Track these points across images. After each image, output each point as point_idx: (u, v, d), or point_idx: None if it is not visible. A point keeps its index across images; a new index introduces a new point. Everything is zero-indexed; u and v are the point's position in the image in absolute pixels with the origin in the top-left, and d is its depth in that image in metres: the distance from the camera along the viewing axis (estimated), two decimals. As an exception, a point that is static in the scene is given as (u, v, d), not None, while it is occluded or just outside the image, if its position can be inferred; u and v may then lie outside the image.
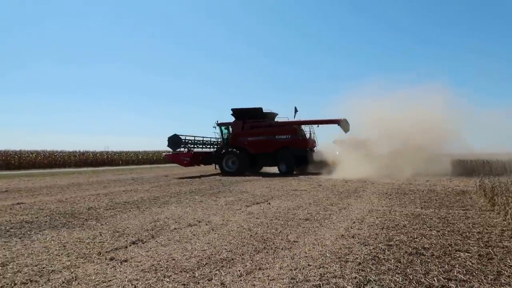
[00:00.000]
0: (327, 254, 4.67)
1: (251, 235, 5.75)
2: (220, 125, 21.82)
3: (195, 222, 6.88)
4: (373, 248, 4.91)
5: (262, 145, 20.38)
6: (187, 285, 3.66)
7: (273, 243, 5.25)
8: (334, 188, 12.51)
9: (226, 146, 21.21)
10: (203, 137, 23.44)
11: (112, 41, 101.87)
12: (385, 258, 4.45)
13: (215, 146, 23.70)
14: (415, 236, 5.58)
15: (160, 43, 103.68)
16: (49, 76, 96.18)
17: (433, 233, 5.72)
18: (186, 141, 21.29)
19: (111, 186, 14.21)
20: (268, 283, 3.67)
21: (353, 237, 5.59)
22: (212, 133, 24.16)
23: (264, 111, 21.16)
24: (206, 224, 6.66)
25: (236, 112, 21.26)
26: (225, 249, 4.97)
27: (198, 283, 3.71)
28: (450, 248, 4.87)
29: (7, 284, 3.71)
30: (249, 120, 21.06)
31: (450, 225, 6.31)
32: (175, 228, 6.33)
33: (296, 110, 21.56)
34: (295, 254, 4.70)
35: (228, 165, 20.48)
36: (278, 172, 20.45)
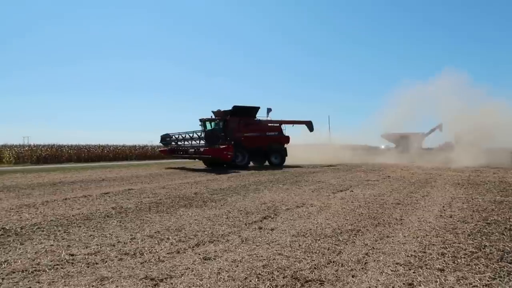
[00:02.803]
0: (436, 228, 5.58)
1: (359, 214, 6.74)
2: (211, 120, 22.70)
3: (299, 204, 7.95)
4: (474, 225, 5.76)
5: (256, 140, 22.32)
6: (338, 245, 4.72)
7: (383, 220, 6.22)
8: (404, 179, 13.22)
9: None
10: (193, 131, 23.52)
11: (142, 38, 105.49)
12: (489, 232, 5.31)
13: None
14: (508, 217, 6.34)
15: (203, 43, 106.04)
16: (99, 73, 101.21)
17: (523, 215, 6.46)
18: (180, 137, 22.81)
19: (191, 176, 15.63)
20: (403, 245, 4.65)
21: (450, 217, 6.44)
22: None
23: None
24: (311, 206, 7.71)
25: (236, 109, 22.23)
26: (346, 223, 6.00)
27: (346, 243, 4.77)
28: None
29: (201, 241, 4.93)
30: (244, 117, 22.39)
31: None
32: (287, 209, 7.43)
33: (269, 110, 23.68)
34: (409, 227, 5.65)
35: (238, 158, 21.68)
36: (269, 164, 22.99)
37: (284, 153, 23.59)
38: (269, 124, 23.52)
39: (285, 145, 24.27)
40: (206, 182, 12.89)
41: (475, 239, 4.91)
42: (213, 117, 22.87)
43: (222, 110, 22.56)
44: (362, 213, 6.89)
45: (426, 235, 5.17)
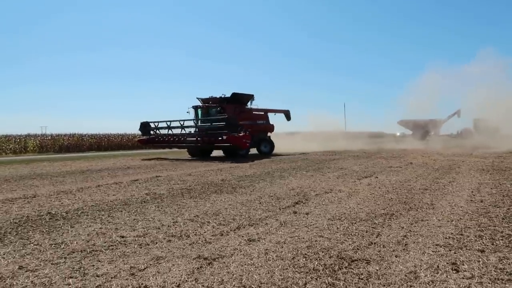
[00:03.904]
0: (469, 212, 5.68)
1: (389, 199, 6.87)
2: (208, 107, 21.70)
3: (327, 190, 8.10)
4: (507, 209, 5.83)
5: (249, 128, 21.17)
6: (375, 228, 4.87)
7: (414, 205, 6.33)
8: (427, 166, 13.24)
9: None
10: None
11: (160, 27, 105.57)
12: (523, 216, 5.38)
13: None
14: (540, 201, 6.38)
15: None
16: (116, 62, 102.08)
17: (556, 199, 6.48)
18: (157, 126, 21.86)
19: (212, 164, 15.88)
20: (439, 228, 4.77)
21: (481, 201, 6.52)
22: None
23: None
24: (340, 192, 7.85)
25: (235, 96, 21.69)
26: (378, 208, 6.13)
27: (383, 226, 4.91)
28: None
29: (241, 225, 5.13)
30: (239, 105, 21.91)
31: None
32: (316, 194, 7.58)
33: (252, 99, 22.96)
34: (441, 212, 5.75)
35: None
36: (258, 153, 22.35)
37: (270, 141, 23.31)
38: (258, 113, 23.30)
39: (269, 134, 23.96)
40: (229, 170, 13.12)
41: (510, 223, 4.99)
42: (200, 104, 21.93)
43: (218, 96, 21.76)
44: (391, 198, 7.00)
45: (460, 218, 5.28)
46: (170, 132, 21.47)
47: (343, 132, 57.68)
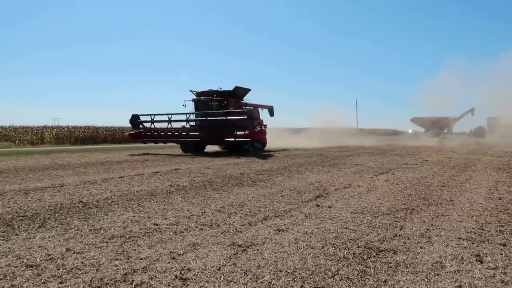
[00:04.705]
0: (488, 209, 5.81)
1: (408, 195, 7.02)
2: (209, 100, 20.98)
3: (346, 185, 8.27)
4: (526, 206, 5.95)
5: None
6: (397, 221, 5.04)
7: (434, 201, 6.47)
8: (443, 163, 13.30)
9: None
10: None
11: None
12: (542, 213, 5.50)
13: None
14: (558, 199, 6.48)
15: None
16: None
17: None
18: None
19: (228, 158, 16.13)
20: (460, 223, 4.93)
21: (500, 199, 6.63)
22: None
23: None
24: (358, 187, 8.02)
25: (236, 90, 21.10)
26: (399, 203, 6.29)
27: (405, 220, 5.08)
28: None
29: (267, 216, 5.35)
30: (238, 99, 21.39)
31: None
32: (336, 189, 7.76)
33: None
34: (460, 208, 5.89)
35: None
36: (251, 149, 21.14)
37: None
38: (253, 108, 22.16)
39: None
40: (246, 164, 13.34)
41: (529, 219, 5.12)
42: (195, 97, 21.25)
43: (219, 89, 21.04)
44: (410, 194, 7.15)
45: (480, 214, 5.42)
46: (170, 126, 20.34)
47: (354, 129, 57.80)
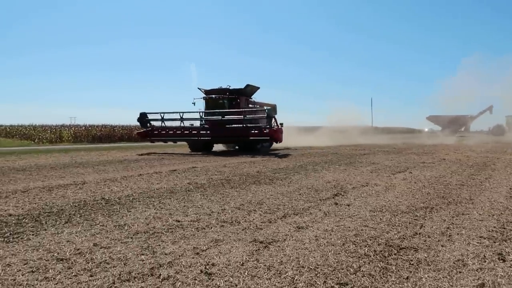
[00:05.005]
0: (509, 208, 5.76)
1: (427, 193, 6.99)
2: (220, 98, 20.56)
3: (363, 184, 8.27)
4: (548, 206, 5.87)
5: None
6: (417, 220, 5.04)
7: (453, 199, 6.44)
8: (461, 162, 13.15)
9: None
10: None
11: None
12: None
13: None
14: None
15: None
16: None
17: None
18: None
19: (243, 157, 16.22)
20: (480, 222, 4.91)
21: (521, 198, 6.56)
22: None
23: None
24: (376, 185, 8.01)
25: (247, 88, 20.92)
26: (417, 201, 6.28)
27: (425, 219, 5.08)
28: None
29: (286, 213, 5.40)
30: (247, 98, 21.09)
31: None
32: (353, 187, 7.77)
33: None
34: (481, 207, 5.85)
35: None
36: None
37: None
38: (259, 106, 21.97)
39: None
40: (262, 162, 13.41)
41: (552, 218, 5.07)
42: (204, 95, 20.79)
43: (229, 87, 20.71)
44: (429, 192, 7.12)
45: (501, 213, 5.38)
46: (182, 124, 19.77)
47: (368, 127, 57.39)
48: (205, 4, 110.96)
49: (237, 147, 21.52)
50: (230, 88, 20.74)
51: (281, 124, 18.80)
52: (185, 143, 21.14)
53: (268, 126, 18.06)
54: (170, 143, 21.95)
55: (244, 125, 18.47)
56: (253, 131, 18.34)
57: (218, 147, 21.99)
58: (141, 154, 17.78)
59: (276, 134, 18.02)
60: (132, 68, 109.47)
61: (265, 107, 18.45)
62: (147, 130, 20.56)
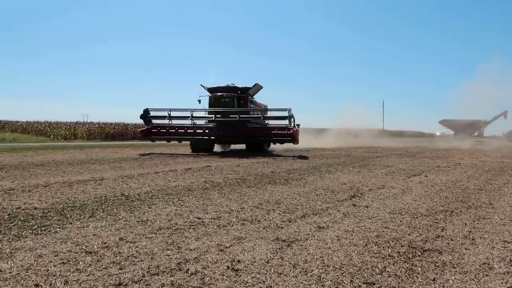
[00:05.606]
0: (531, 213, 5.70)
1: (445, 197, 6.96)
2: (225, 97, 19.82)
3: (379, 186, 8.25)
4: None
5: None
6: (437, 222, 5.03)
7: (473, 204, 6.40)
8: (477, 167, 13.03)
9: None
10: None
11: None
12: None
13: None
14: None
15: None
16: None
17: None
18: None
19: (256, 156, 16.26)
20: (503, 226, 4.88)
21: (541, 204, 6.48)
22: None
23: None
24: (392, 188, 7.99)
25: (255, 87, 20.60)
26: (436, 205, 6.26)
27: (445, 222, 5.07)
28: None
29: (305, 213, 5.43)
30: (251, 97, 20.79)
31: None
32: (370, 190, 7.76)
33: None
34: (502, 212, 5.81)
35: None
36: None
37: None
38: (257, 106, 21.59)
39: None
40: (275, 162, 13.45)
41: None
42: (209, 93, 20.24)
43: (232, 85, 20.27)
44: (447, 196, 7.09)
45: (523, 218, 5.34)
46: (193, 122, 18.98)
47: (379, 130, 57.01)
48: (215, 6, 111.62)
49: (231, 148, 21.57)
50: (233, 86, 20.29)
51: (298, 125, 18.47)
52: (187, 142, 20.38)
53: (291, 127, 17.84)
54: (174, 142, 21.38)
55: (259, 125, 18.63)
56: (274, 131, 18.35)
57: (215, 147, 21.88)
58: (152, 153, 17.93)
59: (297, 135, 17.96)
60: (146, 67, 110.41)
61: (287, 109, 18.10)
62: (148, 128, 19.57)
